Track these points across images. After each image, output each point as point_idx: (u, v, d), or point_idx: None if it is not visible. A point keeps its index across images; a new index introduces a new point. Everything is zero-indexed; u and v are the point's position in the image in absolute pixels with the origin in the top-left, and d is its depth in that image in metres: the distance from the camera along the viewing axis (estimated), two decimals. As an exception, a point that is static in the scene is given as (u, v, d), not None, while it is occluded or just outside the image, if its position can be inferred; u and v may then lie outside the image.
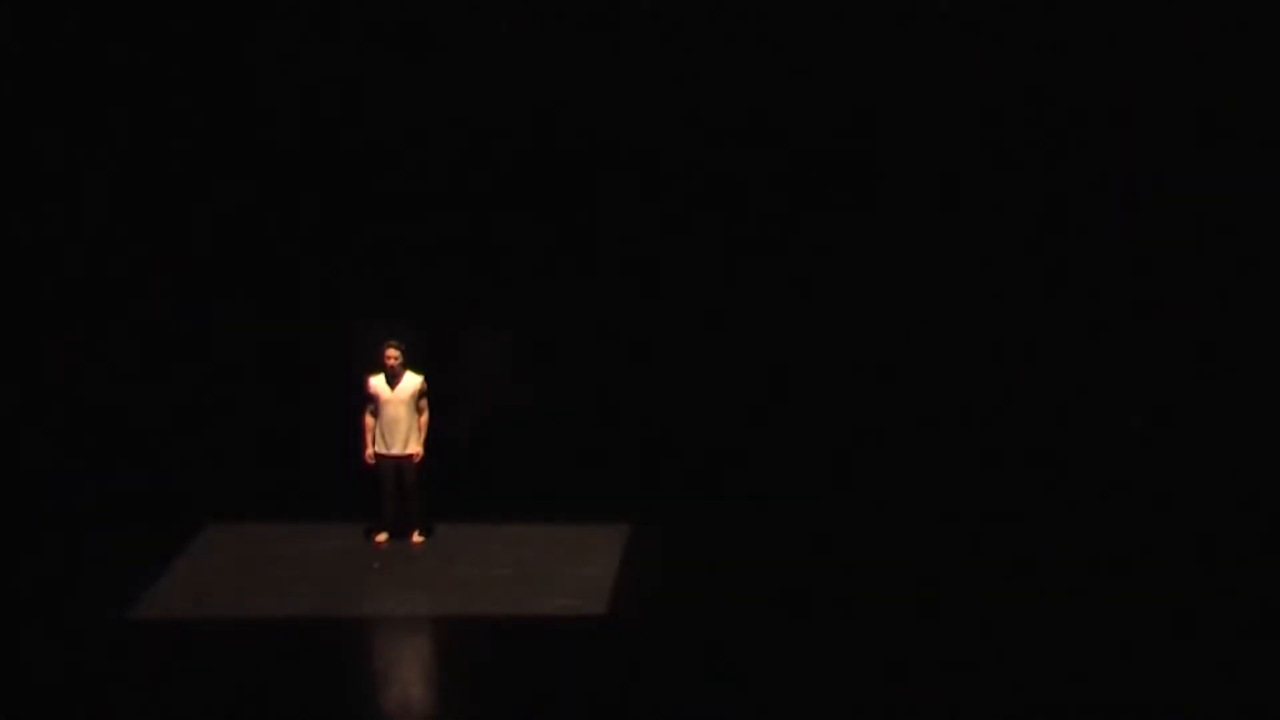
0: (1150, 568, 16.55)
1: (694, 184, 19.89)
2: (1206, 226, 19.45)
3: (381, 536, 17.53)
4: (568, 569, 16.78)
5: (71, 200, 19.77)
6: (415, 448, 17.39)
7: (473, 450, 19.34)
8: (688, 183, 19.89)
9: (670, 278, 19.99)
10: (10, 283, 19.73)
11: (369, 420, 17.39)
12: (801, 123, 19.76)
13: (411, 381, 17.38)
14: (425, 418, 17.44)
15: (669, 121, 19.77)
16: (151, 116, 19.76)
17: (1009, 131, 19.58)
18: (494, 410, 19.92)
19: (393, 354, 17.33)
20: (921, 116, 19.65)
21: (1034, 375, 19.66)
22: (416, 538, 17.51)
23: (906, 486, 18.65)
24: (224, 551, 17.31)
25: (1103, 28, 19.35)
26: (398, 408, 17.30)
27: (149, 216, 19.89)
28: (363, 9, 19.69)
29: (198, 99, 19.72)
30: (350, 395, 17.82)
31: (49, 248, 19.79)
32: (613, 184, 19.93)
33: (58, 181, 19.74)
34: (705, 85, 19.72)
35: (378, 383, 17.38)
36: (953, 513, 18.00)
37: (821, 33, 19.62)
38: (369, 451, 17.39)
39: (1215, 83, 19.26)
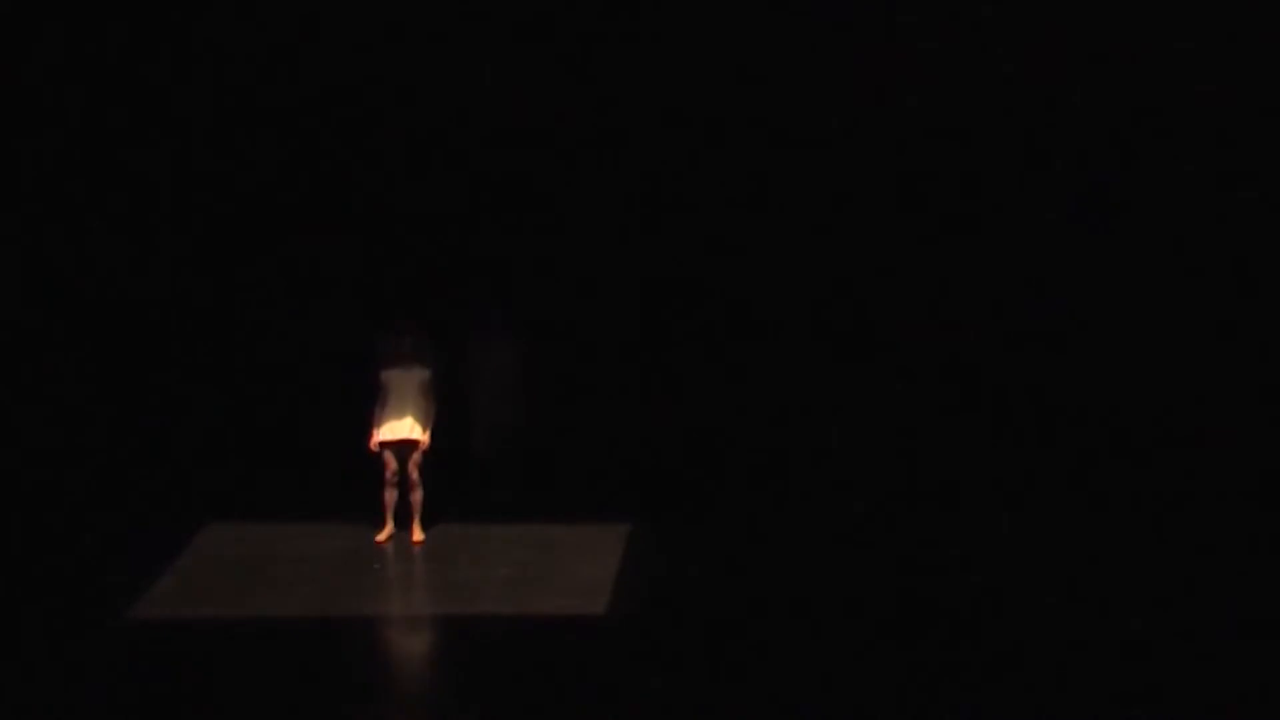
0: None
1: (694, 186, 19.90)
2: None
3: (382, 536, 17.52)
4: (568, 569, 16.78)
5: (73, 198, 19.77)
6: (422, 434, 17.31)
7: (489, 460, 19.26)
8: (688, 185, 19.90)
9: (670, 277, 19.99)
10: (10, 281, 19.73)
11: (377, 410, 17.34)
12: (793, 121, 19.80)
13: (422, 367, 17.33)
14: (434, 406, 17.38)
15: (669, 123, 19.79)
16: (152, 110, 19.76)
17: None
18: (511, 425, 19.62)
19: (404, 329, 17.29)
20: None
21: (1035, 375, 19.67)
22: (417, 535, 17.49)
23: (908, 485, 18.65)
24: (224, 551, 17.31)
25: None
26: (405, 390, 17.24)
27: (150, 217, 19.89)
28: (367, 14, 19.70)
29: (208, 94, 19.72)
30: (351, 396, 17.86)
31: (49, 246, 19.79)
32: (611, 184, 19.93)
33: (58, 179, 19.74)
34: (708, 86, 19.73)
35: (386, 367, 17.33)
36: (955, 512, 18.00)
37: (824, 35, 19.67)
38: (374, 441, 17.34)
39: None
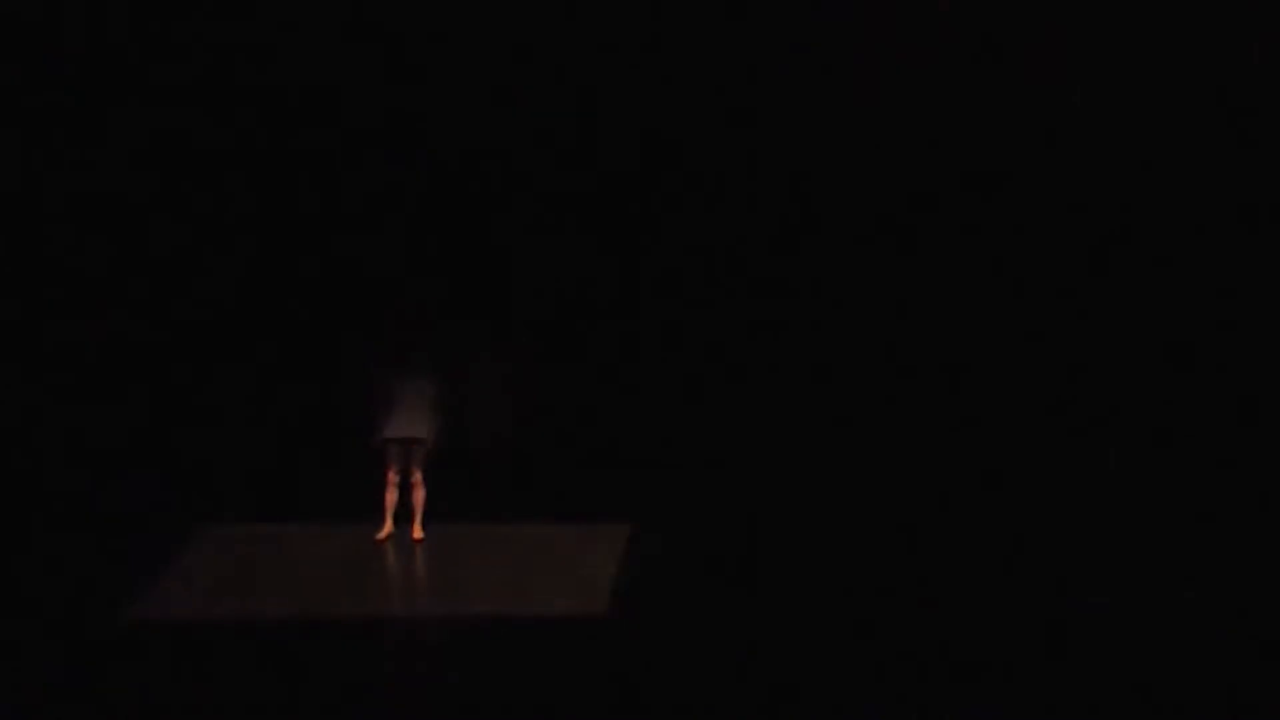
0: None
1: (695, 186, 19.91)
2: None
3: (382, 535, 17.52)
4: (568, 569, 16.78)
5: (73, 198, 19.78)
6: (426, 432, 17.32)
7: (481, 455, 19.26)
8: (689, 185, 19.91)
9: (671, 276, 20.00)
10: (11, 280, 19.74)
11: (381, 410, 17.34)
12: (792, 121, 19.81)
13: (427, 371, 17.36)
14: (440, 412, 17.38)
15: (669, 124, 19.82)
16: (153, 110, 19.77)
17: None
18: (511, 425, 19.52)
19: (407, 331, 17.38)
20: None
21: (1035, 375, 19.67)
22: (418, 532, 17.49)
23: (910, 488, 18.65)
24: (224, 551, 17.31)
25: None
26: (411, 392, 17.24)
27: (151, 218, 19.90)
28: (365, 22, 19.71)
29: (213, 98, 19.74)
30: (351, 397, 17.87)
31: (50, 246, 19.80)
32: (612, 185, 19.94)
33: (58, 178, 19.75)
34: (706, 88, 19.75)
35: (390, 370, 17.35)
36: (956, 512, 18.00)
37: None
38: (377, 438, 17.33)
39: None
